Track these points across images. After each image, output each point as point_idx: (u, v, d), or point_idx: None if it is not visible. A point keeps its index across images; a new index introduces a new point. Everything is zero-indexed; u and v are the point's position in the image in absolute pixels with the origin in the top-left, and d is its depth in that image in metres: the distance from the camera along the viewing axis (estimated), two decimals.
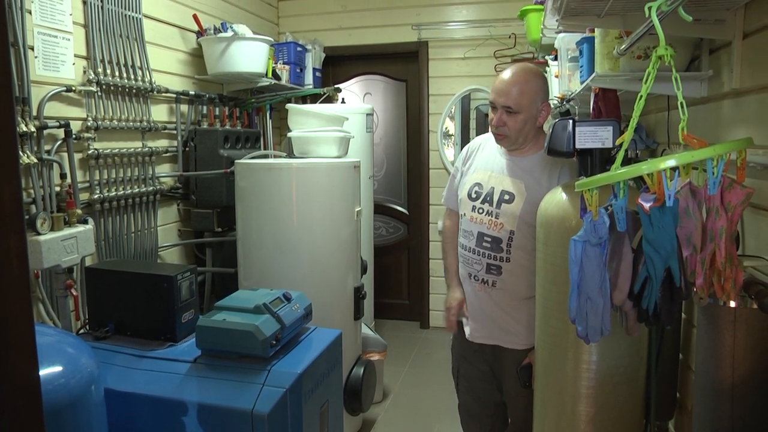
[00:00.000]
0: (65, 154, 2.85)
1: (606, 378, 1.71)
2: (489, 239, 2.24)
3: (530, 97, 2.16)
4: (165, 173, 3.69)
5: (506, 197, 2.21)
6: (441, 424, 3.77)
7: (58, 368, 1.58)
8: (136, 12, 3.35)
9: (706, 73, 1.90)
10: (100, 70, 3.07)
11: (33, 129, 2.60)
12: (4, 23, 0.65)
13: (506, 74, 2.19)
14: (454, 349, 2.53)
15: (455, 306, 2.42)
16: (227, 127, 4.14)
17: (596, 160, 1.76)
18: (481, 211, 2.27)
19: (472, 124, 5.62)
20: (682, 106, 1.17)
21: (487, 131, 2.32)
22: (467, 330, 2.40)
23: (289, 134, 3.38)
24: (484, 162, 2.35)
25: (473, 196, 2.31)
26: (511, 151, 2.27)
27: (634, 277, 1.27)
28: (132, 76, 3.32)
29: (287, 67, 4.62)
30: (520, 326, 2.24)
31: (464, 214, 2.34)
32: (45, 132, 2.71)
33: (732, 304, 1.35)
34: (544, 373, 1.87)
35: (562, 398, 1.79)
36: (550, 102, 2.44)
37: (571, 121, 1.77)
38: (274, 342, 2.06)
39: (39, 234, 2.45)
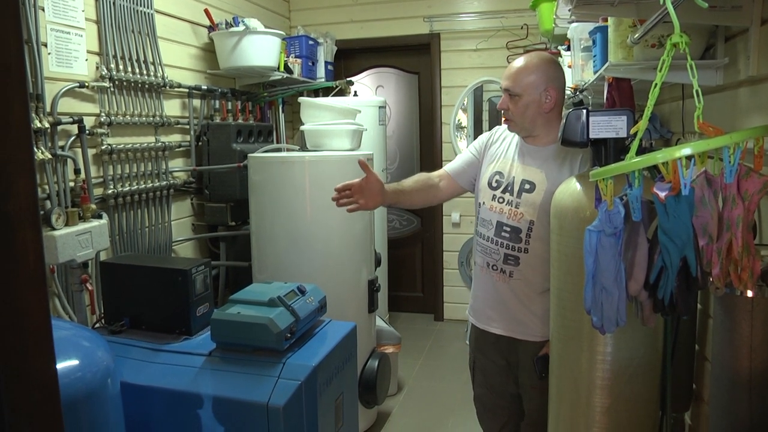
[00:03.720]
0: (79, 150, 2.86)
1: (621, 369, 1.70)
2: (508, 229, 2.21)
3: (531, 80, 2.15)
4: (178, 168, 3.71)
5: (527, 186, 2.20)
6: (455, 417, 3.78)
7: (74, 362, 1.60)
8: (147, 7, 3.36)
9: (722, 60, 1.88)
10: (112, 65, 3.08)
11: (47, 125, 2.61)
12: (17, 19, 0.65)
13: (516, 61, 2.21)
14: (471, 343, 2.52)
15: (352, 183, 2.30)
16: (240, 121, 4.14)
17: (610, 150, 1.74)
18: (501, 200, 2.25)
19: (485, 115, 5.60)
20: (697, 94, 1.15)
21: (500, 123, 2.31)
22: (479, 318, 2.39)
23: (302, 127, 3.39)
24: (505, 151, 2.33)
25: (494, 184, 2.28)
26: (528, 140, 2.26)
27: (650, 267, 1.25)
28: (144, 72, 3.33)
29: (299, 60, 4.62)
30: (536, 318, 2.22)
31: (483, 203, 2.32)
32: (59, 128, 2.73)
33: (749, 293, 1.33)
34: (558, 364, 1.86)
35: (576, 389, 1.78)
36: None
37: (584, 111, 1.76)
38: (289, 335, 2.07)
39: (54, 229, 2.46)
